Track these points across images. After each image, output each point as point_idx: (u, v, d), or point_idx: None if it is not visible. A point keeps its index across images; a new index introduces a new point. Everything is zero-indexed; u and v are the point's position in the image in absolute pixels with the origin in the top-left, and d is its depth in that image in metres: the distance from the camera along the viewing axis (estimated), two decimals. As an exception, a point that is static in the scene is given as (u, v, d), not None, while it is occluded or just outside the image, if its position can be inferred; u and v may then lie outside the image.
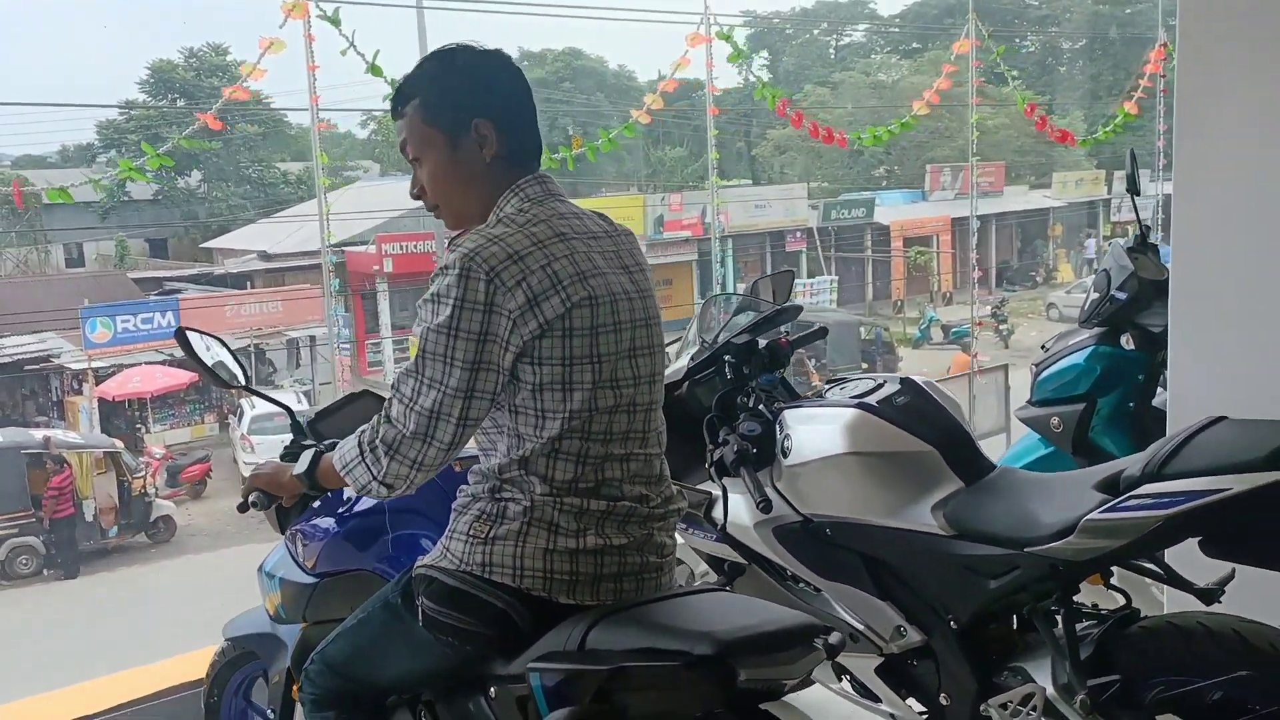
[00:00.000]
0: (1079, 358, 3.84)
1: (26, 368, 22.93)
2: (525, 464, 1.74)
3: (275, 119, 33.05)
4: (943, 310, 30.72)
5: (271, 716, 2.55)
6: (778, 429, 2.74)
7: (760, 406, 2.79)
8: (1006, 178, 36.31)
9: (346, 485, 1.85)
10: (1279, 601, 2.19)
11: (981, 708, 2.45)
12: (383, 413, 1.78)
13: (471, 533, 1.76)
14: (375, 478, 1.76)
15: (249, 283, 26.16)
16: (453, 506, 1.83)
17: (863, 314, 29.62)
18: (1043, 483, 2.49)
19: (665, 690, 1.52)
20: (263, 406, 20.76)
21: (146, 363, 22.07)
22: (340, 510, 2.22)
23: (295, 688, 2.46)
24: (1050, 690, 2.33)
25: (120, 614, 13.10)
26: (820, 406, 2.71)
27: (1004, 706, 2.38)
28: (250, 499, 2.04)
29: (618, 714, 1.54)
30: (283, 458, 2.12)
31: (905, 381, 2.66)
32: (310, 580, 2.27)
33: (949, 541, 2.43)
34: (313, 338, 22.92)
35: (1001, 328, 27.64)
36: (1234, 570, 2.32)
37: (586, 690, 1.56)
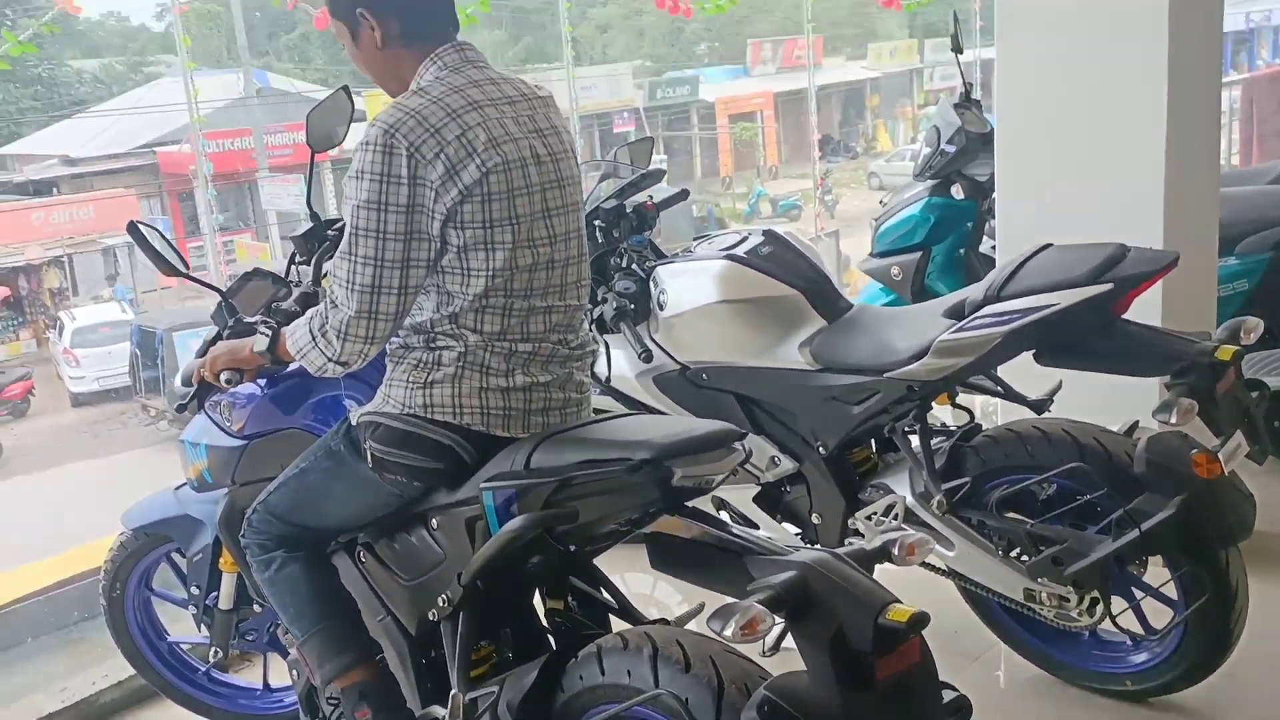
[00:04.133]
0: (914, 209, 4.15)
1: None
2: (456, 319, 1.87)
3: (61, 15, 30.48)
4: (770, 184, 31.31)
5: (195, 592, 2.61)
6: (652, 285, 2.92)
7: (633, 266, 2.96)
8: (824, 50, 36.79)
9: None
10: (1100, 403, 2.52)
11: (849, 522, 2.73)
12: (327, 298, 1.88)
13: (410, 379, 1.89)
14: (330, 359, 1.87)
15: (55, 189, 24.50)
16: (388, 357, 1.94)
17: (693, 192, 29.92)
18: (896, 315, 2.75)
19: (609, 494, 1.69)
20: (84, 319, 19.82)
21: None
22: (263, 377, 2.29)
23: (222, 559, 2.54)
24: (909, 499, 2.62)
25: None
26: (691, 260, 2.89)
27: (869, 518, 2.66)
28: (224, 378, 2.13)
29: (568, 517, 1.70)
30: (225, 338, 2.22)
31: (768, 233, 2.86)
32: (239, 442, 2.34)
33: (816, 375, 2.67)
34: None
35: (826, 198, 28.41)
36: (1061, 381, 2.64)
37: (536, 502, 1.73)
